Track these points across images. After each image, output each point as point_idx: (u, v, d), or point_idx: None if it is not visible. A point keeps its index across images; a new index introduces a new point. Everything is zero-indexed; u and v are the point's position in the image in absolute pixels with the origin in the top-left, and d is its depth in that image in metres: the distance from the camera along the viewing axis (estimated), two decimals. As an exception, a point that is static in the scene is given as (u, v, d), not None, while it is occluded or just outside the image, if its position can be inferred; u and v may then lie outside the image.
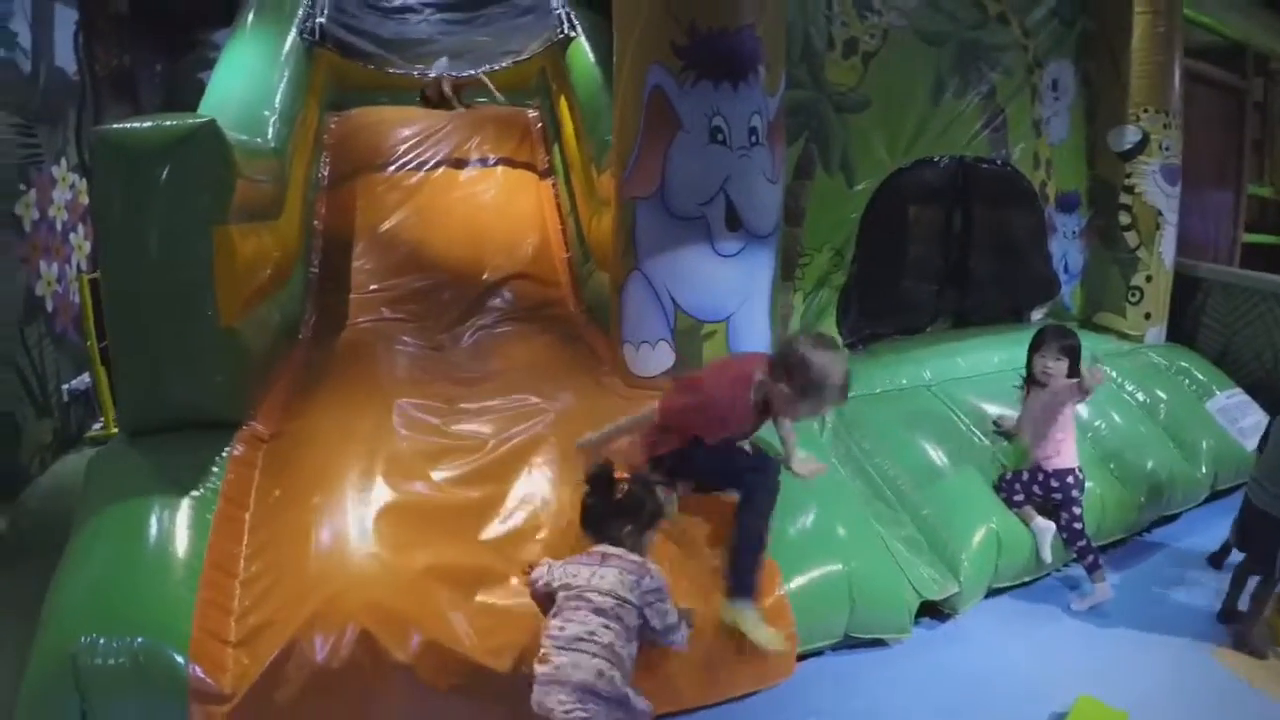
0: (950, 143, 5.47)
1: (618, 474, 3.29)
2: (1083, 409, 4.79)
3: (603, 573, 2.92)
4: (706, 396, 3.57)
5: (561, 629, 2.82)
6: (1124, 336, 6.29)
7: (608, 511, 3.14)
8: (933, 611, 3.98)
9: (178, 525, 3.15)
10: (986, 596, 4.17)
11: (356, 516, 3.29)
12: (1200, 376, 5.97)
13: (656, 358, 4.24)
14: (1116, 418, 5.08)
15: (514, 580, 3.16)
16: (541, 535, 3.40)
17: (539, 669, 2.76)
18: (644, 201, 4.15)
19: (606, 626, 2.81)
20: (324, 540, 3.19)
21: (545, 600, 3.02)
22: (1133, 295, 6.30)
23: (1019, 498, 4.28)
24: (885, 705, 3.45)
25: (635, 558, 3.00)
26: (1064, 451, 4.27)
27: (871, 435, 4.43)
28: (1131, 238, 6.26)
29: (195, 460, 3.45)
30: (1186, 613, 4.25)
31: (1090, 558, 4.18)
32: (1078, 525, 4.22)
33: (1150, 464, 4.92)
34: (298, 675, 2.80)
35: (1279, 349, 6.30)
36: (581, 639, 2.77)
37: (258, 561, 3.17)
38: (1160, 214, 6.23)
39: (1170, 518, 5.18)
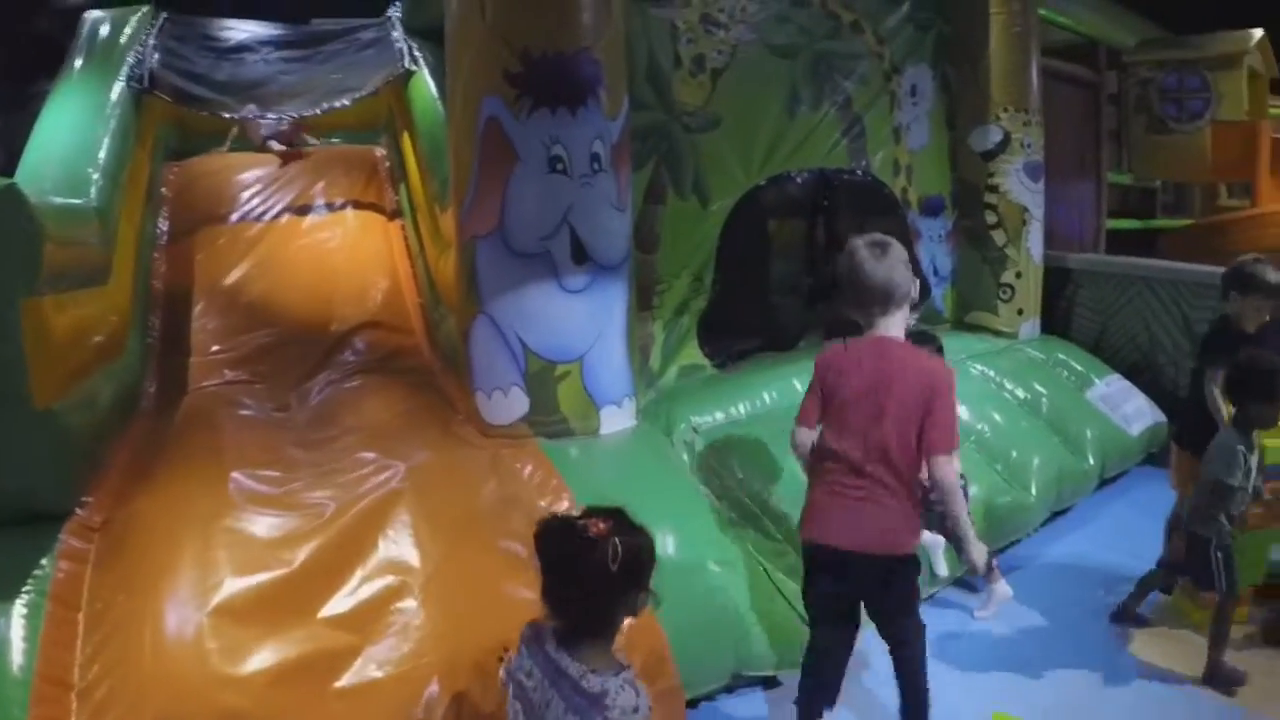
0: (808, 156, 5.36)
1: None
2: (964, 412, 4.68)
3: (548, 698, 2.10)
4: None
5: None
6: (998, 334, 6.28)
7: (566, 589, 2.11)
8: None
9: (2, 637, 2.82)
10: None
11: (195, 610, 2.97)
12: (1078, 367, 5.95)
13: (510, 404, 3.99)
14: (998, 418, 5.00)
15: (370, 650, 2.92)
16: (401, 604, 3.12)
17: None
18: (484, 240, 3.91)
19: None
20: (163, 640, 2.88)
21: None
22: (1004, 292, 6.29)
23: None
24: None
25: (594, 684, 2.05)
26: None
27: (743, 461, 4.22)
28: (999, 236, 6.26)
29: (18, 560, 3.10)
30: (1094, 609, 4.18)
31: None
32: None
33: (1037, 461, 4.85)
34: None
35: (1153, 331, 6.35)
36: None
37: (94, 666, 2.84)
38: (1026, 210, 6.25)
39: (1062, 512, 5.11)
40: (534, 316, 3.90)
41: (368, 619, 3.03)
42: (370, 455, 3.87)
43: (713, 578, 3.47)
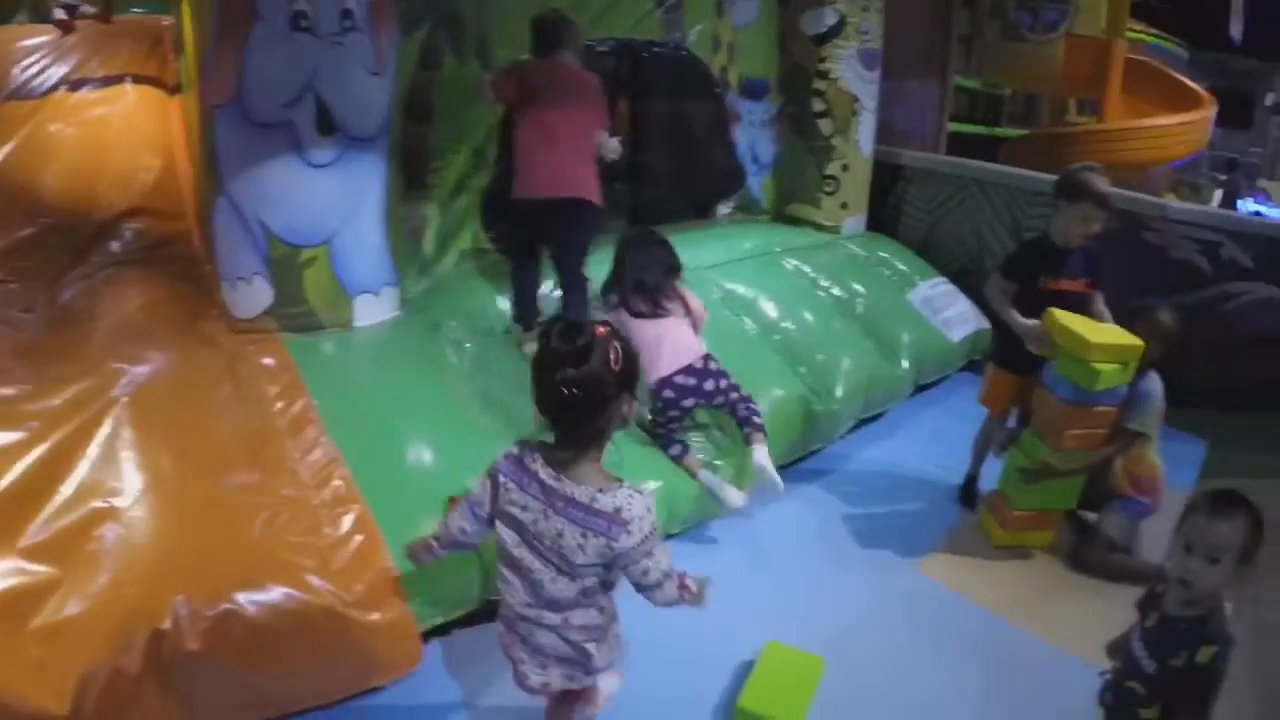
0: (614, 23, 4.91)
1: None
2: (771, 310, 4.41)
3: (556, 526, 2.11)
4: None
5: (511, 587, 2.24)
6: (820, 228, 6.03)
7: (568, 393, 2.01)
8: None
9: None
10: (667, 538, 3.67)
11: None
12: (901, 266, 5.74)
13: (253, 295, 3.55)
14: (808, 317, 4.73)
15: (69, 582, 2.60)
16: (102, 529, 2.76)
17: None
18: (222, 110, 3.42)
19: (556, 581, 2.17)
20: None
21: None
22: (828, 185, 6.03)
23: (676, 446, 3.80)
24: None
25: (605, 502, 2.07)
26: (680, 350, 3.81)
27: (514, 364, 3.86)
28: (826, 125, 5.96)
29: None
30: (889, 526, 3.99)
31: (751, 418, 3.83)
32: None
33: (846, 364, 4.59)
34: None
35: (983, 235, 6.18)
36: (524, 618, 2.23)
37: None
38: (857, 100, 5.96)
39: (875, 417, 4.91)
40: (275, 196, 3.45)
41: (68, 548, 2.71)
42: (99, 359, 3.49)
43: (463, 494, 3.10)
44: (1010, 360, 4.00)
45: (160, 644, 2.48)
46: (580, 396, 2.01)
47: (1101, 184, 3.75)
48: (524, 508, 2.16)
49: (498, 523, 2.23)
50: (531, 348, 3.47)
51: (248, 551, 2.72)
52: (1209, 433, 4.84)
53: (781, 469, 3.99)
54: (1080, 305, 3.76)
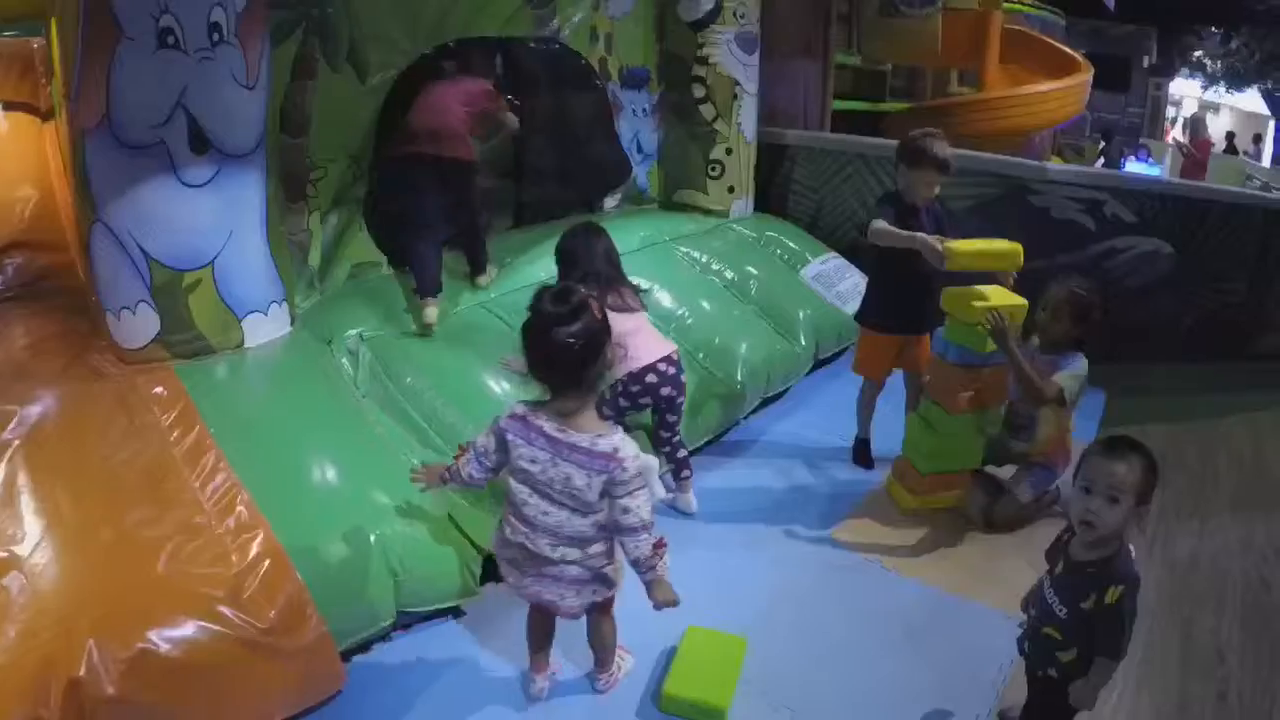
0: (485, 22, 4.84)
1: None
2: (666, 299, 4.44)
3: (565, 471, 2.43)
4: None
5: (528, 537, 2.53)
6: (708, 213, 6.07)
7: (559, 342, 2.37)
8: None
9: None
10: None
11: None
12: (792, 245, 5.80)
13: (140, 324, 3.43)
14: (704, 304, 4.76)
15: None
16: (5, 580, 2.65)
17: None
18: (92, 133, 3.29)
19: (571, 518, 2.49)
20: None
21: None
22: (713, 169, 6.09)
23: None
24: (463, 680, 2.96)
25: (604, 444, 2.41)
26: (657, 342, 3.86)
27: (415, 370, 3.80)
28: (708, 110, 6.00)
29: None
30: (799, 501, 4.04)
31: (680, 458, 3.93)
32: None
33: (744, 346, 4.64)
34: None
35: (870, 208, 6.23)
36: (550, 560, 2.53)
37: None
38: (738, 84, 6.01)
39: (778, 395, 4.96)
40: (153, 219, 3.32)
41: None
42: None
43: (371, 508, 3.08)
44: (879, 320, 4.16)
45: (78, 692, 2.39)
46: (581, 346, 2.36)
47: (942, 149, 3.92)
48: (532, 460, 2.46)
49: (510, 480, 2.53)
50: (432, 313, 4.03)
51: (156, 588, 2.64)
52: (1106, 384, 4.97)
53: (690, 453, 4.04)
54: (926, 263, 3.85)
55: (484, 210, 4.67)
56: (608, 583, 2.65)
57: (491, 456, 2.58)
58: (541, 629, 2.87)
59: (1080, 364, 3.68)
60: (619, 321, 3.66)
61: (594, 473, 2.40)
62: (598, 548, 2.55)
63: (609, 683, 2.92)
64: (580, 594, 2.61)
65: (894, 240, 3.83)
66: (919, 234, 3.80)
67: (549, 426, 2.44)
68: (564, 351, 2.35)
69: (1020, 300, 3.64)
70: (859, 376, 4.37)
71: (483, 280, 4.54)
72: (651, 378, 3.73)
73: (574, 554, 2.52)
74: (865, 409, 4.36)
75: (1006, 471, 4.00)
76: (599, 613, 2.78)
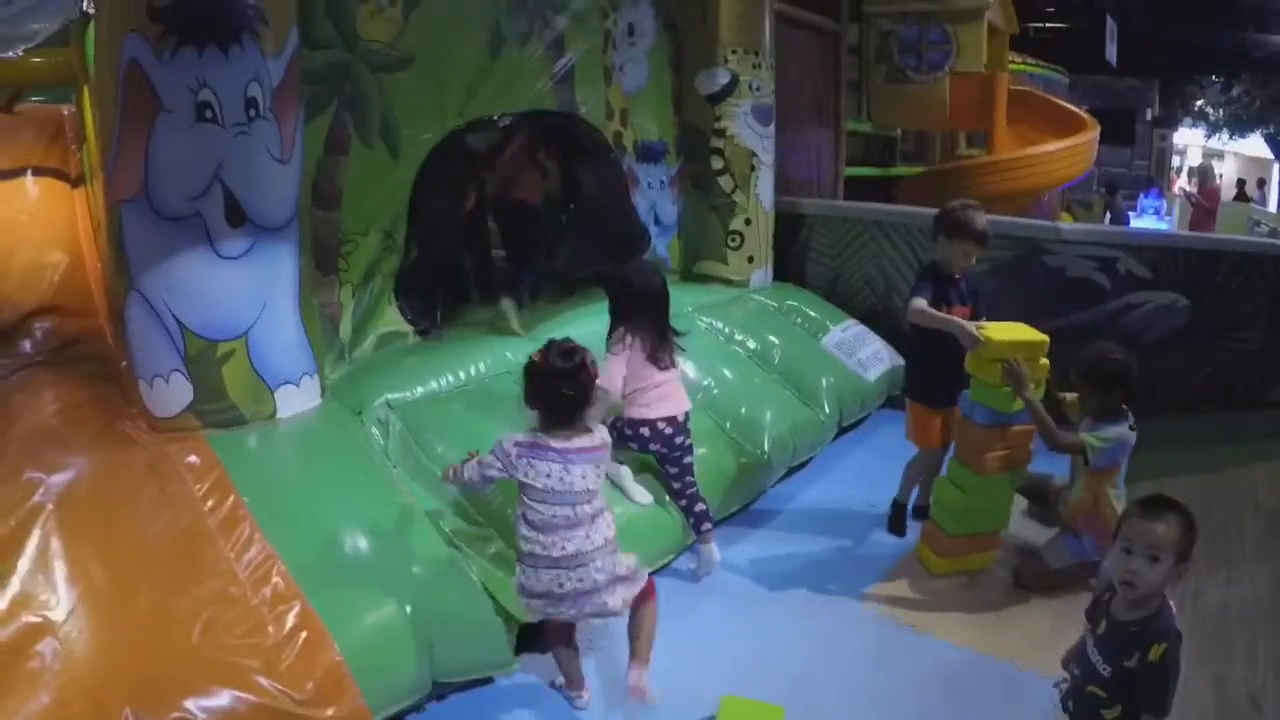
0: (514, 98, 4.93)
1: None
2: (691, 370, 4.45)
3: (578, 471, 2.88)
4: None
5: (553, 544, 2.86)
6: (728, 283, 6.11)
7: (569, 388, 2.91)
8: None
9: None
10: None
11: None
12: (812, 313, 5.83)
13: (172, 393, 3.46)
14: (727, 373, 4.78)
15: (7, 704, 2.49)
16: (39, 647, 2.66)
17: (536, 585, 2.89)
18: (129, 204, 3.34)
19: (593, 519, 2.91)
20: None
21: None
22: (732, 240, 6.14)
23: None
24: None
25: (596, 438, 2.96)
26: (675, 401, 3.92)
27: (445, 439, 3.81)
28: (726, 182, 6.08)
29: None
30: (829, 567, 4.03)
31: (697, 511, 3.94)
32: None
33: (769, 415, 4.64)
34: None
35: (888, 274, 6.34)
36: (580, 553, 2.86)
37: None
38: (754, 155, 6.10)
39: (804, 464, 4.96)
40: (188, 290, 3.37)
41: (4, 667, 2.61)
42: (19, 466, 3.33)
43: (406, 579, 3.08)
44: (928, 395, 4.13)
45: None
46: (577, 396, 2.89)
47: (981, 221, 3.95)
48: (546, 474, 2.84)
49: (530, 502, 2.86)
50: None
51: (192, 658, 2.65)
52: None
53: (718, 523, 4.06)
54: None
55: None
56: (636, 573, 3.02)
57: (493, 469, 2.95)
58: (568, 645, 3.14)
59: (1114, 428, 3.64)
60: (650, 373, 3.78)
61: (597, 463, 2.91)
62: (610, 530, 2.95)
63: (639, 679, 2.98)
64: (615, 590, 2.92)
65: (933, 322, 3.85)
66: (955, 319, 3.81)
67: (556, 442, 2.87)
68: (567, 400, 2.89)
69: (1039, 336, 3.66)
70: (887, 444, 4.40)
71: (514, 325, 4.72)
72: (645, 430, 3.83)
73: (605, 554, 2.89)
74: (913, 473, 4.32)
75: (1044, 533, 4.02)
76: (640, 602, 3.03)
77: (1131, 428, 3.66)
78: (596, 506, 2.91)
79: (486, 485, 3.19)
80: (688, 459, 3.92)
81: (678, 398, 3.93)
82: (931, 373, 4.06)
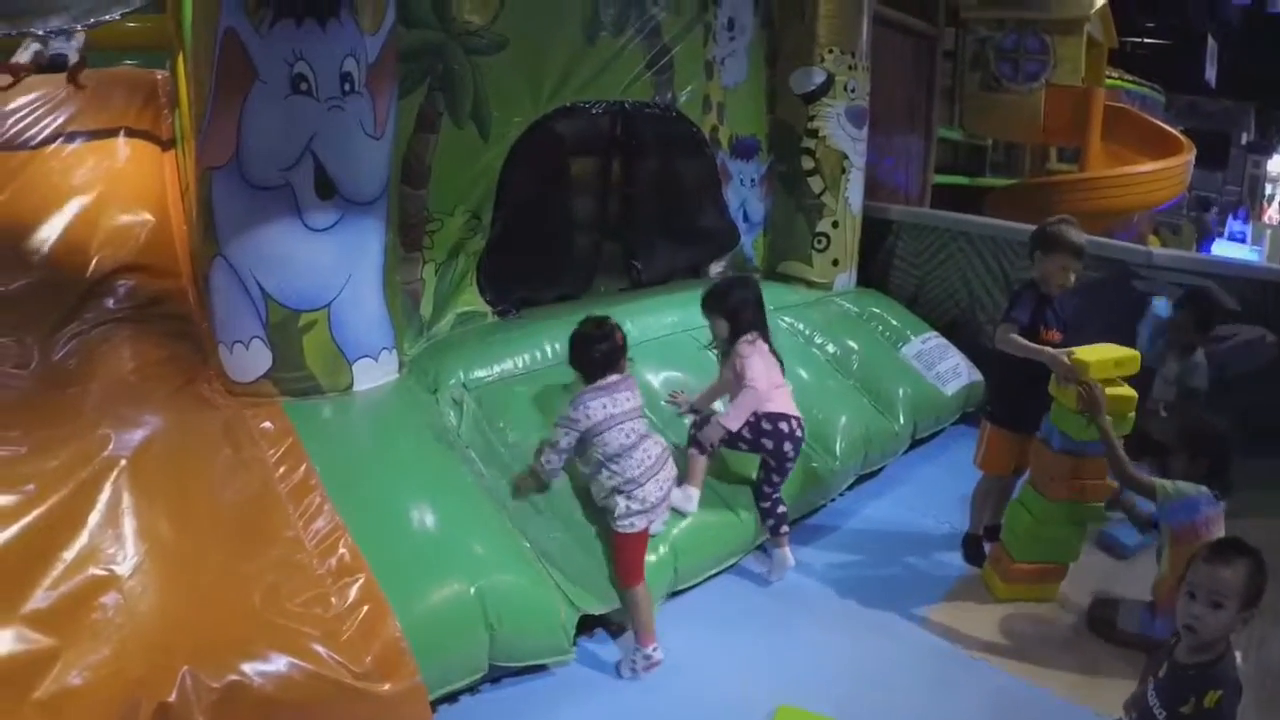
0: (606, 86, 4.90)
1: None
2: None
3: (631, 398, 3.55)
4: None
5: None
6: (811, 285, 6.05)
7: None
8: (607, 622, 3.48)
9: None
10: (668, 598, 3.67)
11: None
12: (894, 322, 5.75)
13: (251, 359, 3.50)
14: (804, 375, 4.72)
15: (69, 654, 2.54)
16: (104, 599, 2.71)
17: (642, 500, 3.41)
18: (220, 171, 3.39)
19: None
20: None
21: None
22: (819, 242, 6.06)
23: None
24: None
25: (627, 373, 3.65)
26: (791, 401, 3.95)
27: (518, 424, 3.83)
28: (815, 183, 6.00)
29: None
30: (891, 583, 3.97)
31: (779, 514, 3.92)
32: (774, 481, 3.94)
33: (843, 421, 4.60)
34: None
35: (973, 288, 6.22)
36: (657, 460, 3.52)
37: None
38: (846, 157, 6.01)
39: (873, 474, 4.88)
40: (274, 259, 3.41)
41: (68, 617, 2.65)
42: (95, 420, 3.41)
43: (471, 560, 3.07)
44: (1010, 418, 4.01)
45: (167, 716, 2.44)
46: (610, 353, 3.52)
47: (1074, 234, 3.83)
48: (603, 407, 3.40)
49: (601, 440, 3.40)
50: None
51: (253, 622, 2.68)
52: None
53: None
54: None
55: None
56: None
57: (562, 439, 3.42)
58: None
59: (1193, 487, 3.43)
60: (775, 374, 3.87)
61: (633, 387, 3.57)
62: (658, 446, 3.58)
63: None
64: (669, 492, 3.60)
65: (1023, 352, 3.74)
66: (1046, 350, 3.70)
67: (607, 383, 3.48)
68: (600, 357, 3.51)
69: (1130, 352, 3.61)
70: (959, 462, 4.32)
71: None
72: (784, 425, 3.84)
73: (655, 450, 3.53)
74: (980, 503, 4.20)
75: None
76: None
77: (1218, 498, 3.43)
78: (646, 428, 3.52)
79: (562, 460, 3.48)
80: (792, 464, 3.91)
81: (792, 401, 3.96)
82: (1017, 396, 3.93)
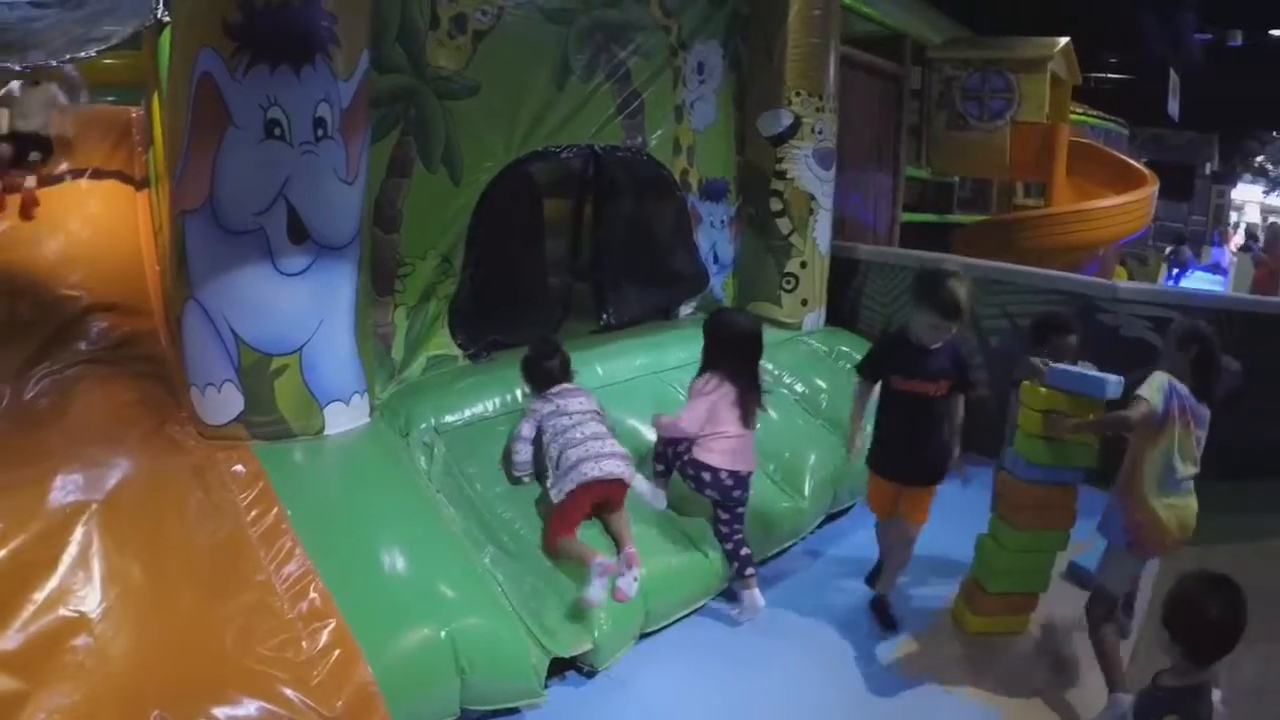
0: (577, 130, 4.97)
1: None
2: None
3: (575, 403, 3.96)
4: None
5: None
6: (781, 325, 6.07)
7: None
8: (578, 665, 3.48)
9: None
10: (639, 639, 3.69)
11: None
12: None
13: (223, 402, 3.51)
14: (773, 415, 4.73)
15: (40, 696, 2.55)
16: (75, 641, 2.72)
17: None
18: (193, 215, 3.41)
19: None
20: None
21: None
22: (787, 282, 6.13)
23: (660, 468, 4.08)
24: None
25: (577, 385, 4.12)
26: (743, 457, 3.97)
27: (487, 468, 3.86)
28: (784, 224, 6.07)
29: None
30: (863, 618, 4.02)
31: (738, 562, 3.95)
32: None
33: (812, 460, 4.63)
34: None
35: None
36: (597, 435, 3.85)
37: None
38: (813, 198, 6.09)
39: (843, 511, 4.93)
40: (246, 303, 3.43)
41: (39, 659, 2.66)
42: (66, 461, 3.38)
43: (442, 604, 3.09)
44: (879, 465, 3.93)
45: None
46: (555, 367, 4.05)
47: (949, 293, 3.60)
48: (568, 405, 3.90)
49: (561, 419, 3.86)
50: None
51: (223, 666, 2.68)
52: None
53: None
54: (937, 408, 3.72)
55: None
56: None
57: (526, 427, 3.92)
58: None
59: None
60: (728, 423, 3.89)
61: (587, 393, 4.05)
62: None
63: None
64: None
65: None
66: (853, 424, 3.98)
67: (562, 388, 4.01)
68: (546, 371, 4.04)
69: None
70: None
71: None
72: (707, 475, 3.87)
73: (600, 429, 3.93)
74: (882, 544, 4.13)
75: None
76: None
77: (1201, 402, 3.39)
78: (599, 426, 3.90)
79: (529, 449, 3.89)
80: (741, 509, 3.95)
81: (747, 456, 3.96)
82: (888, 445, 3.89)
